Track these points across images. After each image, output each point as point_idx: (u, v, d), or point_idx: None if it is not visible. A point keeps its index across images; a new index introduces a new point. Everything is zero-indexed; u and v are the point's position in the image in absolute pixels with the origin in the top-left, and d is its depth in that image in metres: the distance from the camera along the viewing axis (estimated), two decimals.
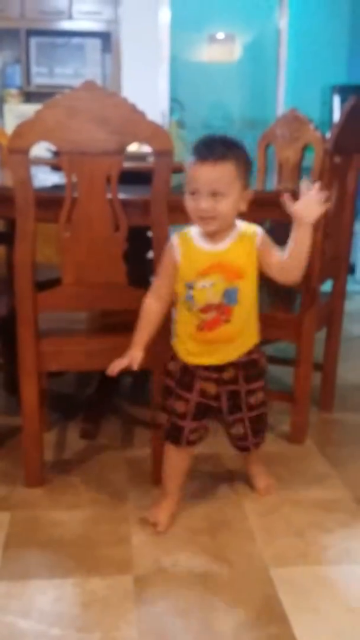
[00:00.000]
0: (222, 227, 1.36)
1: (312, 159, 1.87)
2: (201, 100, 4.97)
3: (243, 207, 1.36)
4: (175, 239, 1.43)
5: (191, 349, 1.46)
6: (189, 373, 1.47)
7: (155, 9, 4.27)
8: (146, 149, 1.61)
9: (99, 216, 1.54)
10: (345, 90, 4.42)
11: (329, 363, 2.21)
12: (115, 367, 1.43)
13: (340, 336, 2.20)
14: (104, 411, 2.14)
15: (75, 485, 1.73)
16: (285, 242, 1.39)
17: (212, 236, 1.38)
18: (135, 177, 1.64)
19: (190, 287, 1.40)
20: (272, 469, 1.78)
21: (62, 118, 1.46)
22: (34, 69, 4.27)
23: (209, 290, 1.38)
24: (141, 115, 1.48)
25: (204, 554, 1.45)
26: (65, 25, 4.20)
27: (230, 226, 1.39)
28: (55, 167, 2.00)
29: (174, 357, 1.50)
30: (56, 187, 1.71)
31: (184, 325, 1.45)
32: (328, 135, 1.83)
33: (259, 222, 1.46)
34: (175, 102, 4.61)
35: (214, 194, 1.31)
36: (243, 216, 1.40)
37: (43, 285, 1.59)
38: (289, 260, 1.39)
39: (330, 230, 1.94)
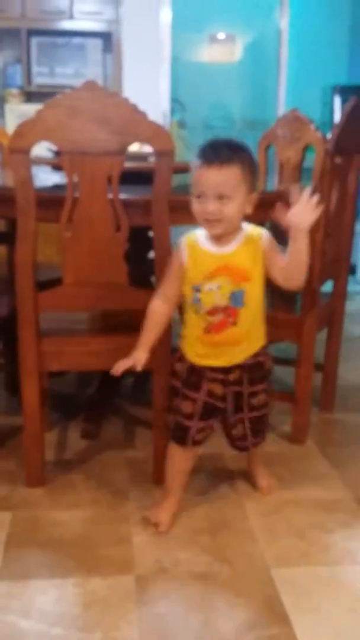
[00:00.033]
0: (228, 229, 1.37)
1: (313, 160, 1.87)
2: (202, 100, 4.97)
3: (249, 209, 1.37)
4: (182, 242, 1.44)
5: (199, 351, 1.47)
6: (196, 373, 1.48)
7: (156, 9, 4.27)
8: (147, 149, 1.61)
9: (100, 216, 1.54)
10: (346, 91, 4.42)
11: (330, 363, 2.21)
12: (119, 368, 1.44)
13: (341, 336, 2.20)
14: (105, 411, 2.14)
15: (76, 485, 1.73)
16: (285, 242, 1.40)
17: (218, 239, 1.39)
18: (137, 177, 1.64)
19: (197, 289, 1.41)
20: (273, 469, 1.78)
21: (63, 118, 1.46)
22: (35, 68, 4.27)
23: (215, 293, 1.39)
24: (142, 115, 1.48)
25: (205, 554, 1.45)
26: (66, 25, 4.20)
27: (237, 229, 1.39)
28: (56, 167, 2.00)
29: (181, 358, 1.50)
30: (57, 187, 1.71)
31: (192, 327, 1.46)
32: (329, 135, 1.83)
33: (260, 223, 1.46)
34: (176, 102, 4.61)
35: (220, 197, 1.32)
36: (245, 217, 1.40)
37: (44, 285, 1.59)
38: (290, 268, 1.40)
39: (331, 230, 1.94)
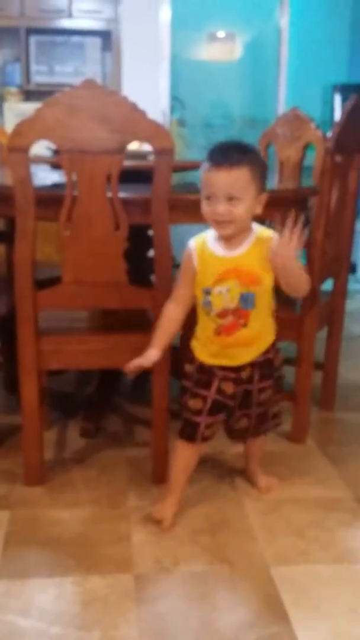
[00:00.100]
0: (238, 230, 1.38)
1: (313, 158, 1.86)
2: (202, 98, 4.96)
3: (259, 210, 1.39)
4: (192, 245, 1.45)
5: (211, 352, 1.48)
6: (206, 372, 1.49)
7: (156, 7, 4.26)
8: (147, 147, 1.61)
9: (99, 215, 1.54)
10: (346, 89, 4.41)
11: (330, 362, 2.21)
12: (131, 366, 1.47)
13: (341, 335, 2.20)
14: (104, 410, 2.14)
15: (75, 483, 1.73)
16: None
17: (228, 240, 1.40)
18: (136, 176, 1.64)
19: (207, 292, 1.42)
20: (273, 468, 1.78)
21: (62, 116, 1.46)
22: (34, 67, 4.27)
23: (225, 296, 1.40)
24: (142, 113, 1.48)
25: (205, 553, 1.45)
26: (65, 23, 4.20)
27: (247, 230, 1.40)
28: (55, 166, 2.00)
29: (192, 359, 1.51)
30: (56, 186, 1.71)
31: (203, 329, 1.47)
32: (329, 134, 1.83)
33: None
34: (176, 100, 4.60)
35: (230, 199, 1.33)
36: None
37: (43, 284, 1.58)
38: (290, 282, 1.41)
39: (331, 229, 1.94)
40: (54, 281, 1.59)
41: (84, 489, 1.70)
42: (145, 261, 2.09)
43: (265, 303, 1.44)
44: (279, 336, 1.54)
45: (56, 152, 1.61)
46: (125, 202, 1.54)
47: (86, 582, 1.35)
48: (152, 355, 1.47)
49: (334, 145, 1.81)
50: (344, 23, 4.95)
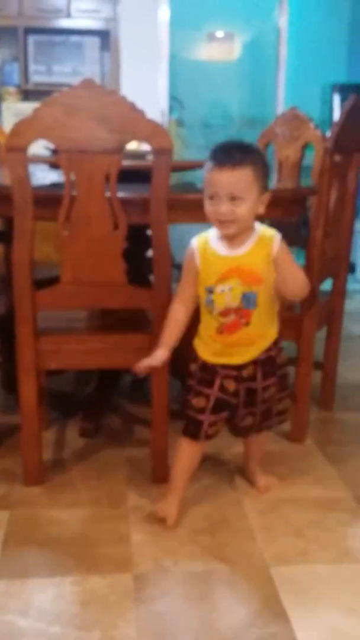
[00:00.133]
0: (240, 230, 1.39)
1: (312, 158, 1.86)
2: (200, 98, 4.96)
3: (261, 209, 1.39)
4: (194, 244, 1.45)
5: (213, 350, 1.48)
6: (208, 370, 1.49)
7: (155, 7, 4.26)
8: (145, 147, 1.61)
9: (98, 215, 1.53)
10: (345, 89, 4.41)
11: (330, 362, 2.21)
12: (141, 366, 1.48)
13: (340, 335, 2.20)
14: (103, 410, 2.14)
15: (75, 483, 1.73)
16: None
17: (231, 239, 1.41)
18: (135, 176, 1.64)
19: (210, 291, 1.43)
20: (272, 468, 1.78)
21: (61, 116, 1.46)
22: (32, 67, 4.27)
23: (227, 295, 1.41)
24: (140, 113, 1.48)
25: (204, 552, 1.45)
26: (64, 23, 4.20)
27: (249, 229, 1.41)
28: (54, 166, 2.00)
29: (195, 358, 1.52)
30: (55, 186, 1.71)
31: (206, 328, 1.48)
32: (328, 133, 1.83)
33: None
34: (175, 100, 4.60)
35: (233, 198, 1.34)
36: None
37: (42, 284, 1.58)
38: (287, 292, 1.44)
39: (330, 229, 1.94)
40: (53, 281, 1.59)
41: (83, 489, 1.70)
42: (144, 261, 2.09)
43: (267, 302, 1.44)
44: (278, 335, 1.54)
45: (55, 152, 1.60)
46: (124, 202, 1.54)
47: (85, 582, 1.35)
48: (160, 355, 1.48)
49: (333, 145, 1.81)
50: (343, 23, 4.95)
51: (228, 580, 1.37)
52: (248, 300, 1.41)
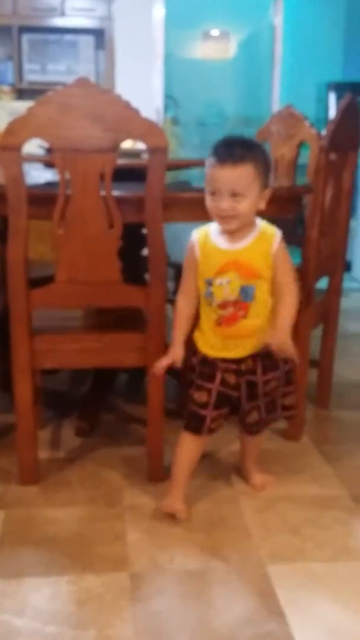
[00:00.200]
0: (242, 225, 1.40)
1: (307, 156, 1.87)
2: (196, 97, 4.96)
3: (262, 205, 1.41)
4: (194, 237, 1.47)
5: (212, 343, 1.50)
6: (209, 364, 1.50)
7: (149, 5, 4.25)
8: (140, 145, 1.60)
9: (92, 213, 1.53)
10: (340, 87, 4.41)
11: (326, 360, 2.21)
12: (160, 366, 1.50)
13: (336, 333, 2.20)
14: (99, 409, 2.14)
15: (70, 483, 1.72)
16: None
17: (231, 234, 1.42)
18: (130, 174, 1.64)
19: (209, 283, 1.45)
20: (268, 466, 1.78)
21: (55, 115, 1.45)
22: (26, 65, 4.26)
23: (225, 287, 1.43)
24: (135, 112, 1.47)
25: (200, 550, 1.45)
26: (58, 22, 4.19)
27: (250, 224, 1.43)
28: (49, 164, 1.99)
29: (195, 352, 1.52)
30: (49, 185, 1.70)
31: (206, 320, 1.50)
32: (324, 132, 1.83)
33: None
34: (170, 99, 4.60)
35: (234, 195, 1.36)
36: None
37: (37, 283, 1.58)
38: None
39: (325, 227, 1.94)
40: (48, 280, 1.59)
41: (79, 488, 1.70)
42: (140, 260, 2.08)
43: (265, 296, 1.45)
44: None
45: (49, 151, 1.60)
46: (119, 201, 1.54)
47: (81, 581, 1.35)
48: (176, 353, 1.49)
49: (328, 143, 1.81)
50: (338, 21, 4.95)
51: (224, 578, 1.37)
52: (246, 293, 1.43)
